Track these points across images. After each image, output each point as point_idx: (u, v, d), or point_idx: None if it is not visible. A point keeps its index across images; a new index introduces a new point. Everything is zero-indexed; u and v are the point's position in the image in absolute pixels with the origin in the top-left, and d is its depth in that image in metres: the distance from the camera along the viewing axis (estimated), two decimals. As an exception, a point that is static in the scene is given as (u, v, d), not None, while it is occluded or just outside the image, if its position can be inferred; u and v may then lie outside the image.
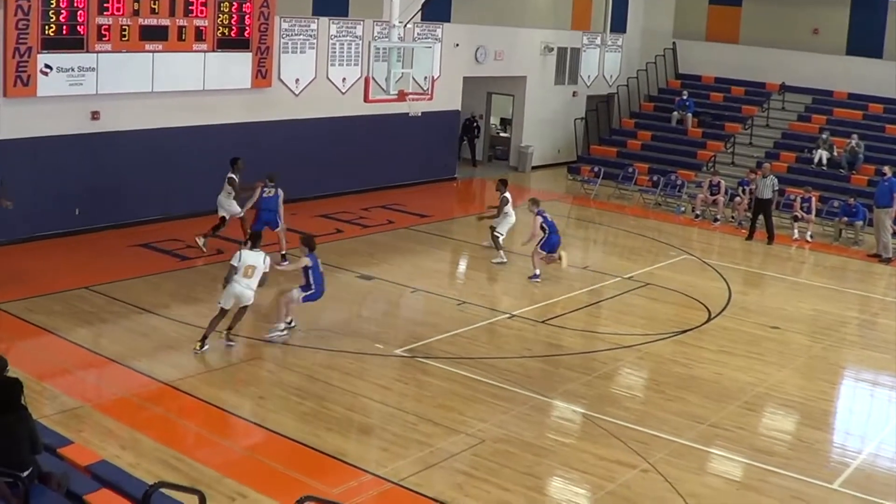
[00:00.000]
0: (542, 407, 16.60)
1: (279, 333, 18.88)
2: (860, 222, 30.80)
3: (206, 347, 17.90)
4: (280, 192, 23.73)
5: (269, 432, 14.94)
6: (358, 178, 32.04)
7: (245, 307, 18.29)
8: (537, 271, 24.22)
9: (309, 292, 18.91)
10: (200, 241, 24.41)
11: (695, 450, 15.32)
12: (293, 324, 19.30)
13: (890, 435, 16.89)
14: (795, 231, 30.97)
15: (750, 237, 30.54)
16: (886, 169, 30.00)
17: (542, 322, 21.10)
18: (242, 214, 24.58)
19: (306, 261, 18.57)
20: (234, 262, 17.95)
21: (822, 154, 35.96)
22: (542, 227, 24.16)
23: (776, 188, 30.62)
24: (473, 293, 23.09)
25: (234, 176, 24.41)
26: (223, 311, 18.14)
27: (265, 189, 23.63)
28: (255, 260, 18.06)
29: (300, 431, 14.89)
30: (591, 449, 15.06)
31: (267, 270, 18.25)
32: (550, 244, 24.20)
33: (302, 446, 14.48)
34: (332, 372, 17.36)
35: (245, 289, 18.02)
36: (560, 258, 24.32)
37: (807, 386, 18.50)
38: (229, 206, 24.57)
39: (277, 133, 29.29)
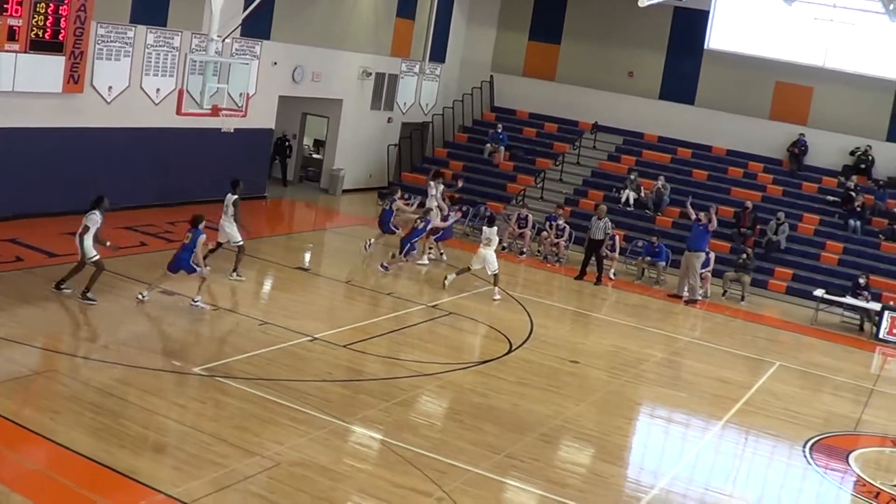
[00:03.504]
0: (339, 432, 16.51)
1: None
2: (663, 263, 31.56)
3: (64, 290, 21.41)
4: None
5: (60, 448, 14.46)
6: (167, 191, 31.50)
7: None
8: None
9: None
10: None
11: (490, 480, 15.45)
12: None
13: (682, 471, 17.37)
14: (600, 269, 31.56)
15: (580, 276, 30.91)
16: (702, 215, 30.29)
17: (344, 346, 21.03)
18: (242, 242, 25.01)
19: None
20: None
21: (629, 194, 36.82)
22: None
23: (608, 231, 31.05)
24: (277, 314, 22.86)
25: (237, 198, 24.84)
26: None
27: None
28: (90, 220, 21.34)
29: (92, 448, 14.47)
30: (386, 476, 15.04)
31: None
32: None
33: (93, 463, 14.07)
34: (128, 388, 16.93)
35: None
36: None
37: (603, 420, 18.85)
38: (231, 231, 24.93)
39: (86, 140, 28.56)
